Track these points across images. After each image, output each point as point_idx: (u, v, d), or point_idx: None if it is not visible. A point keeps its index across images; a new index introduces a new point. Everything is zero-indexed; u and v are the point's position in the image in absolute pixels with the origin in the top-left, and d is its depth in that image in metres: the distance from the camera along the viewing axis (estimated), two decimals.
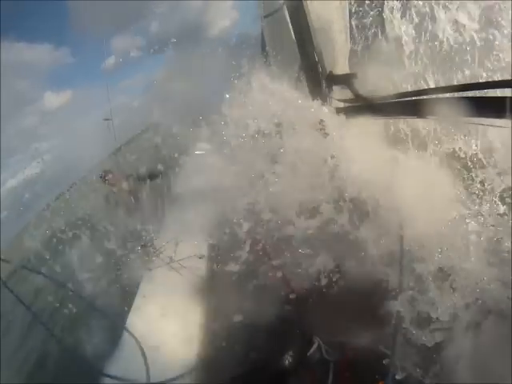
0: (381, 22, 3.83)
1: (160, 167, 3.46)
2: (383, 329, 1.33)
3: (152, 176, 3.62)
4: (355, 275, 1.64)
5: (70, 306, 2.71)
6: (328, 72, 2.77)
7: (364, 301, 1.46)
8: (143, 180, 3.60)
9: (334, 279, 1.64)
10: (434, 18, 3.37)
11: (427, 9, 3.43)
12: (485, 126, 1.66)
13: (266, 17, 3.23)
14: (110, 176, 3.65)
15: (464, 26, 3.22)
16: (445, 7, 3.33)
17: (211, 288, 2.13)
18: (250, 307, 1.57)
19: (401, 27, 3.56)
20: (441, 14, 3.31)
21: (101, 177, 3.67)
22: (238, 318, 1.55)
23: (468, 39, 3.21)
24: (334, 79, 2.82)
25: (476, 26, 3.16)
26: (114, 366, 1.62)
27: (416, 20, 3.51)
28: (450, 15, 3.29)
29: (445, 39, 3.33)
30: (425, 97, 1.75)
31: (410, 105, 1.88)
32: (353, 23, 3.85)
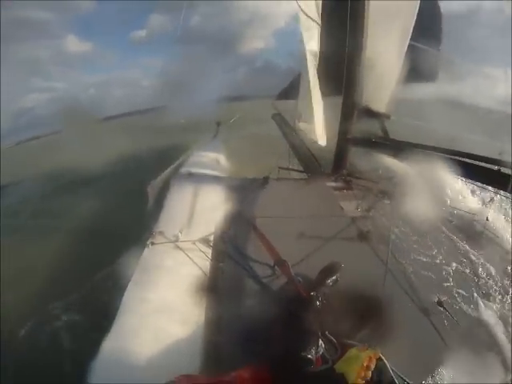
0: None
1: None
2: (377, 331, 1.42)
3: None
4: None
5: None
6: (364, 105, 3.00)
7: (361, 304, 1.53)
8: None
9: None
10: None
11: None
12: None
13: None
14: None
15: None
16: None
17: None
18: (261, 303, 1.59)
19: None
20: None
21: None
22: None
23: None
24: (368, 113, 3.04)
25: None
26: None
27: None
28: None
29: None
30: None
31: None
32: None
